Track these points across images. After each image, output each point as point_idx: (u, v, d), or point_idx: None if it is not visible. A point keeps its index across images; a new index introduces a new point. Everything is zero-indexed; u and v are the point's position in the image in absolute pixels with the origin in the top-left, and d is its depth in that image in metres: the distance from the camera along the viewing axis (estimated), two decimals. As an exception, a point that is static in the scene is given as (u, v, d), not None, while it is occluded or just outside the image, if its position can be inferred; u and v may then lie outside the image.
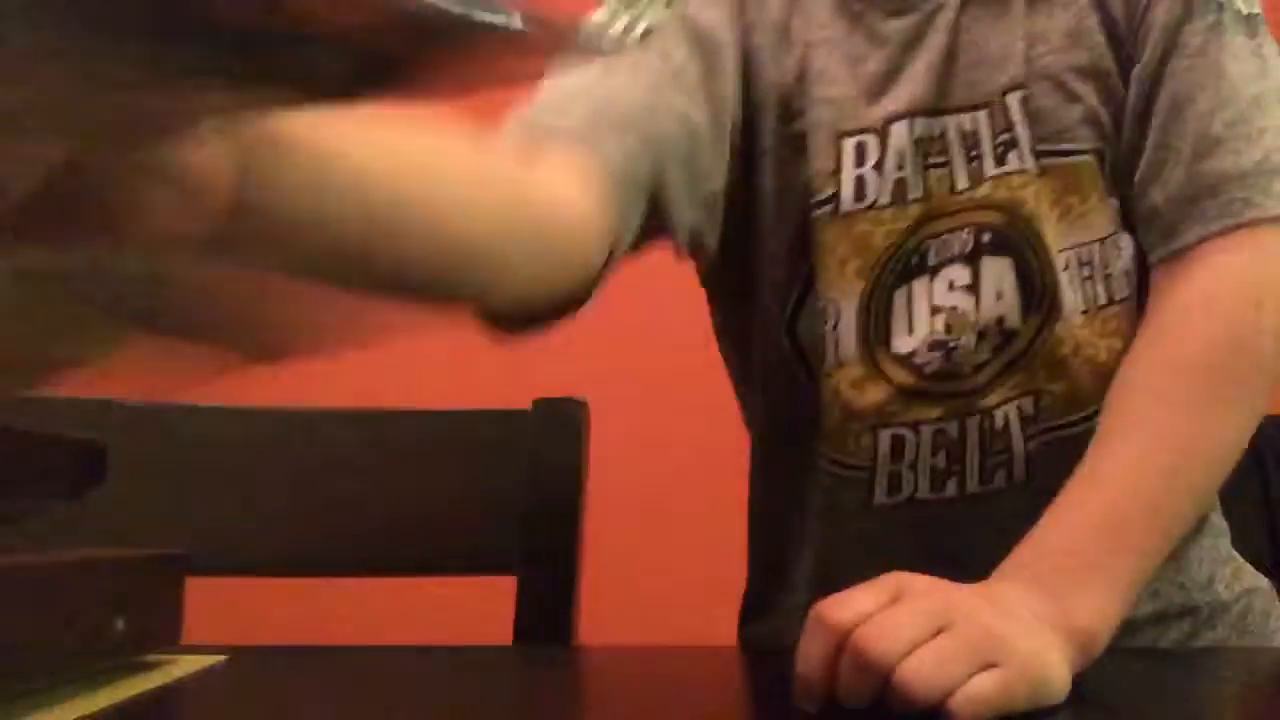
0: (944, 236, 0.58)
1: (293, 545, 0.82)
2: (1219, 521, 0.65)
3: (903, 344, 0.58)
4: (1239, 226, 0.54)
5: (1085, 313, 0.58)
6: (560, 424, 0.84)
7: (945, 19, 0.59)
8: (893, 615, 0.40)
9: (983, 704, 0.38)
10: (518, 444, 0.84)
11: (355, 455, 0.85)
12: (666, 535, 1.56)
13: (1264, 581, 0.66)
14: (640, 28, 0.58)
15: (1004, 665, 0.39)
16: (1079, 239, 0.58)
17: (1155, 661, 0.56)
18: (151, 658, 0.51)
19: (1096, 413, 0.55)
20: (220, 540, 0.79)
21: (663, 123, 0.55)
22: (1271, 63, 0.57)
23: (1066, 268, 0.58)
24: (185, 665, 0.50)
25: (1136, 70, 0.58)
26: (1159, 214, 0.56)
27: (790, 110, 0.61)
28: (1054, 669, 0.42)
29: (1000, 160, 0.58)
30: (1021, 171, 0.57)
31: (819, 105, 0.60)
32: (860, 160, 0.59)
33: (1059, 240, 0.58)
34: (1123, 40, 0.58)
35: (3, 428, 0.42)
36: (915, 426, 0.58)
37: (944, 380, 0.58)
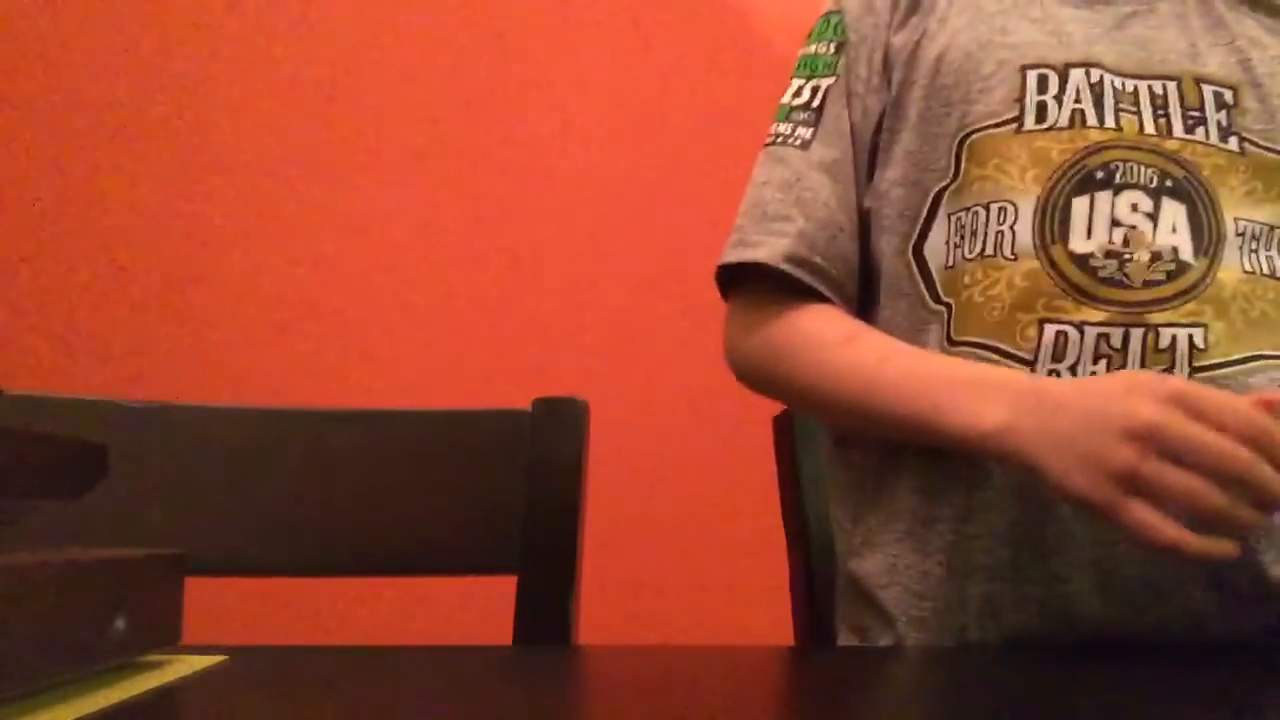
0: (1132, 164, 0.63)
1: (292, 545, 0.82)
2: None
3: (1080, 245, 0.62)
4: None
5: (1249, 273, 0.62)
6: (560, 424, 0.84)
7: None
8: None
9: None
10: (518, 444, 0.84)
11: (355, 455, 0.84)
12: (666, 535, 1.56)
13: None
14: (820, 94, 0.72)
15: None
16: (1253, 215, 0.63)
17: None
18: (151, 658, 0.51)
19: (1252, 358, 0.60)
20: (220, 540, 0.79)
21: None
22: None
23: (1240, 233, 0.62)
24: (185, 665, 0.50)
25: None
26: None
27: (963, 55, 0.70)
28: None
29: (1189, 129, 0.64)
30: (1207, 144, 0.63)
31: (1001, 48, 0.69)
32: (1042, 89, 0.67)
33: (1233, 209, 0.63)
34: None
35: (3, 428, 0.42)
36: (1080, 327, 0.61)
37: (1115, 287, 0.61)
